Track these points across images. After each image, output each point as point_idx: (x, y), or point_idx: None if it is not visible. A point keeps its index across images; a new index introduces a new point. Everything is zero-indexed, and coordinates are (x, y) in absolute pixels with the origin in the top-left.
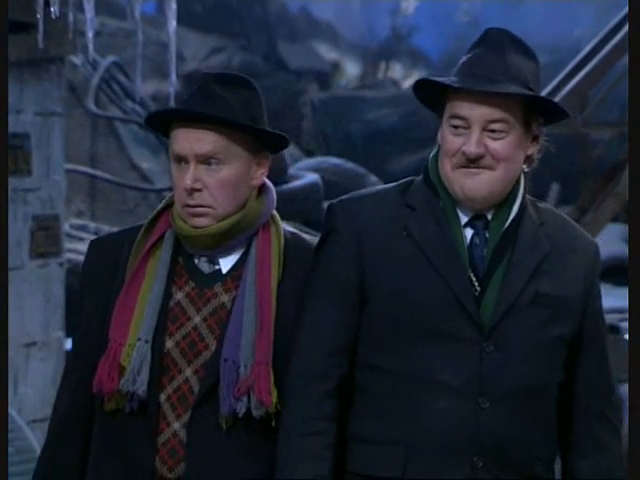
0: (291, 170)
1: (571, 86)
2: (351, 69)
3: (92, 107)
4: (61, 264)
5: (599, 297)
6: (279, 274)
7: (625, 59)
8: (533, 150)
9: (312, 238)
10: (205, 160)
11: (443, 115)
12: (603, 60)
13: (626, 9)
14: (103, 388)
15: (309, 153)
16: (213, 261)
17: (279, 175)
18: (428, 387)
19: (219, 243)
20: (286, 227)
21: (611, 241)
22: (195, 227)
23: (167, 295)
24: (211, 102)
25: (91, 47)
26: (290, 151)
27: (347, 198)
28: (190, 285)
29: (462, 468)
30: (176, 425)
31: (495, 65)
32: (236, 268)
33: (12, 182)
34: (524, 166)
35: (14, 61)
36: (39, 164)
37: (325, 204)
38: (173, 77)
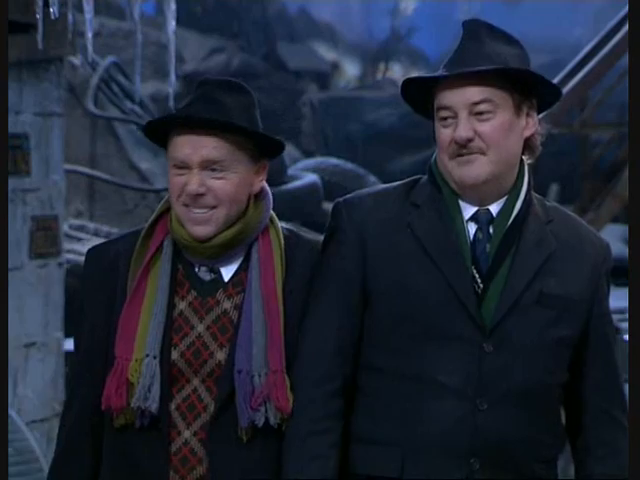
0: (290, 171)
1: (571, 86)
2: (350, 69)
3: (91, 107)
4: (60, 264)
5: (606, 298)
6: (283, 274)
7: (625, 59)
8: (531, 132)
9: (310, 234)
10: (208, 166)
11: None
12: (603, 60)
13: (626, 9)
14: (112, 405)
15: (308, 154)
16: (213, 270)
17: (278, 176)
18: (427, 387)
19: (220, 254)
20: (283, 225)
21: (611, 241)
22: (196, 236)
23: (170, 305)
24: (213, 107)
25: (90, 48)
26: (289, 152)
27: (352, 197)
28: (192, 294)
29: (459, 469)
30: (186, 434)
31: (473, 52)
32: (237, 274)
33: (11, 182)
34: (526, 157)
35: (14, 61)
36: (38, 164)
37: (325, 205)
38: (172, 78)
